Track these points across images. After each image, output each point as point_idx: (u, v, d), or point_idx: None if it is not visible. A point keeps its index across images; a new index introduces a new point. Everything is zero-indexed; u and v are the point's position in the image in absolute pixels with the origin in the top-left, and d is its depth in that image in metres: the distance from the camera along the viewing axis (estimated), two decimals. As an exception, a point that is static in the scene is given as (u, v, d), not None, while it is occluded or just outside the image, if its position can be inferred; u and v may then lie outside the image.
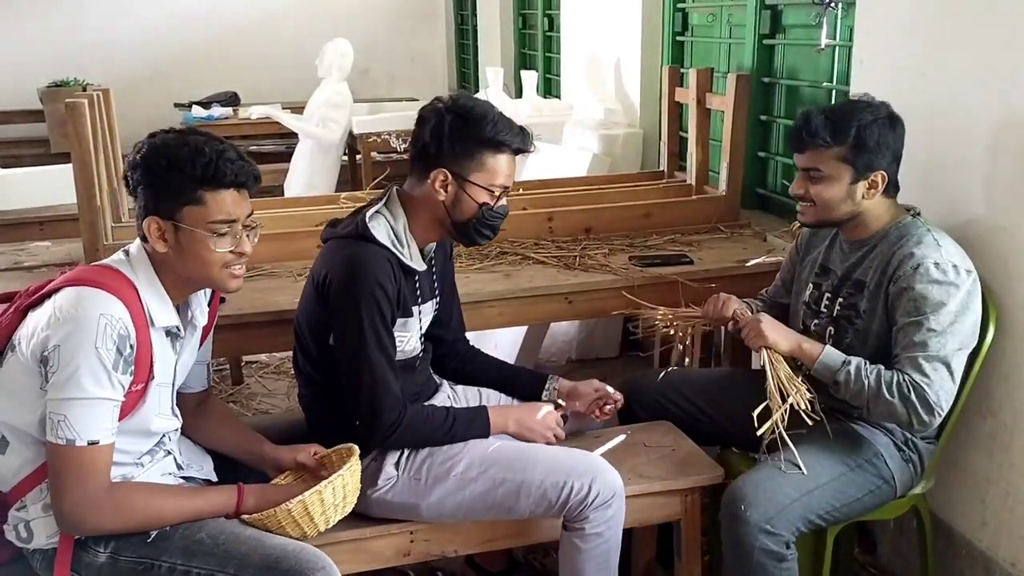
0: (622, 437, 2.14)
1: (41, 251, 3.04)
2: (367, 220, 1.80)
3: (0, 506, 1.62)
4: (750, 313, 2.08)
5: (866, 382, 1.82)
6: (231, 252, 1.63)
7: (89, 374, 1.49)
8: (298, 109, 5.67)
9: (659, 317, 2.22)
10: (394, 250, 1.81)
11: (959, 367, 1.82)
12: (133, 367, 1.56)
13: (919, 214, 1.95)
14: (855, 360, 1.85)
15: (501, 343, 3.36)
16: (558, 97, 5.19)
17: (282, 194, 5.13)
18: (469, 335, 2.21)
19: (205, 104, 6.78)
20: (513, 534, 1.97)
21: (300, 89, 6.11)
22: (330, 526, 1.72)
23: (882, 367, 1.83)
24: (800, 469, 1.84)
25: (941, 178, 2.16)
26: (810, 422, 1.84)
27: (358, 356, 1.77)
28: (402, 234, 1.84)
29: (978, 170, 2.05)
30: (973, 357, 1.98)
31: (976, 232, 2.06)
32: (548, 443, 1.98)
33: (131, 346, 1.55)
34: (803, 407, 1.84)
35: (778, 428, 1.83)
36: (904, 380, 1.79)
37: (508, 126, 1.82)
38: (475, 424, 1.92)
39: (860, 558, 2.47)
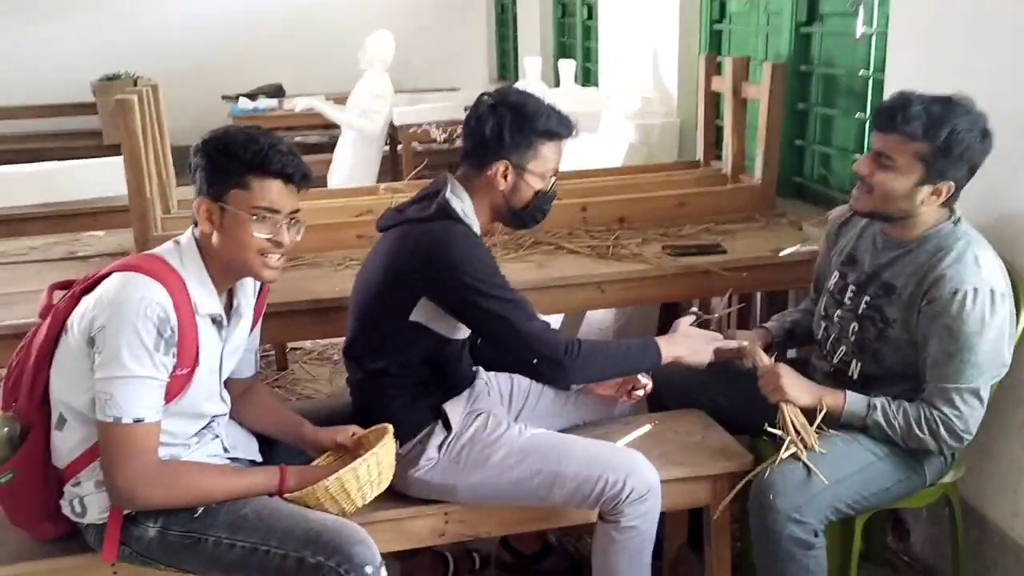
0: (653, 424, 2.17)
1: (95, 241, 3.13)
2: (448, 201, 1.90)
3: (56, 482, 1.71)
4: (763, 354, 2.04)
5: (896, 423, 1.85)
6: (268, 240, 1.69)
7: (130, 353, 1.56)
8: (341, 100, 5.75)
9: None
10: (474, 228, 1.93)
11: (988, 392, 1.84)
12: (176, 349, 1.63)
13: (960, 220, 1.89)
14: (879, 403, 1.87)
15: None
16: (596, 86, 5.20)
17: (325, 185, 5.22)
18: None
19: (251, 96, 6.89)
20: (546, 517, 2.02)
21: (343, 80, 6.19)
22: (367, 502, 1.78)
23: (907, 404, 1.85)
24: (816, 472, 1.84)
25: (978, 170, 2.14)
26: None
27: (498, 306, 1.85)
28: (471, 215, 1.94)
29: (1012, 159, 2.03)
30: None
31: (1010, 221, 2.05)
32: (718, 352, 2.06)
33: (172, 329, 1.61)
34: (816, 451, 1.87)
35: (802, 457, 1.85)
36: (933, 416, 1.82)
37: (558, 116, 1.95)
38: (648, 352, 1.98)
39: (893, 546, 2.48)
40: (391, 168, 6.15)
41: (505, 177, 1.93)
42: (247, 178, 1.66)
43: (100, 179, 3.83)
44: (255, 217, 1.67)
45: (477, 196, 1.95)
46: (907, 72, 2.38)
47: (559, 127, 1.94)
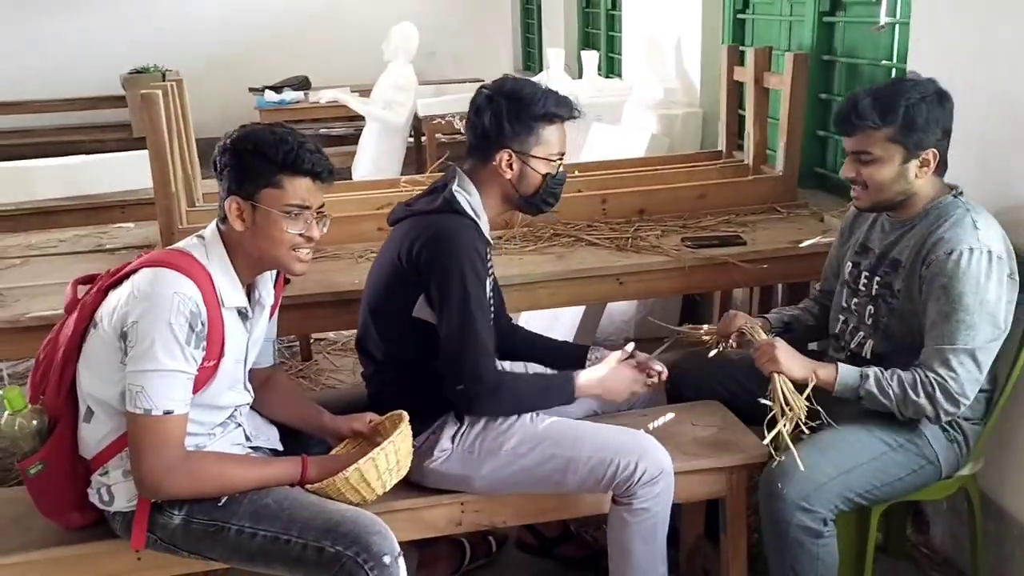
0: (670, 416, 2.18)
1: (122, 234, 3.19)
2: (454, 195, 1.91)
3: (84, 472, 1.75)
4: (761, 331, 2.06)
5: (890, 391, 1.85)
6: (300, 236, 1.74)
7: (163, 348, 1.61)
8: (366, 92, 5.80)
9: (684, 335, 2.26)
10: (478, 222, 1.94)
11: (987, 358, 1.83)
12: (205, 343, 1.67)
13: (961, 193, 1.92)
14: (871, 373, 1.87)
15: (562, 323, 3.42)
16: (620, 77, 5.19)
17: (350, 176, 5.26)
18: (530, 315, 2.27)
19: (277, 88, 6.95)
20: (562, 506, 2.04)
21: (368, 72, 6.23)
22: (387, 489, 1.81)
23: (900, 372, 1.85)
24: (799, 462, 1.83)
25: (997, 158, 2.13)
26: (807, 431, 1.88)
27: (462, 318, 1.85)
28: (478, 208, 1.95)
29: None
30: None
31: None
32: (634, 395, 2.05)
33: (202, 323, 1.66)
34: (803, 421, 1.87)
35: (784, 438, 1.85)
36: (928, 378, 1.82)
37: (556, 98, 1.95)
38: (563, 392, 1.99)
39: (912, 538, 2.47)
40: (415, 159, 6.19)
41: (510, 166, 1.94)
42: (279, 177, 1.71)
43: (128, 172, 3.89)
44: (288, 215, 1.72)
45: (485, 188, 1.96)
46: (929, 61, 2.36)
47: (558, 109, 1.94)
